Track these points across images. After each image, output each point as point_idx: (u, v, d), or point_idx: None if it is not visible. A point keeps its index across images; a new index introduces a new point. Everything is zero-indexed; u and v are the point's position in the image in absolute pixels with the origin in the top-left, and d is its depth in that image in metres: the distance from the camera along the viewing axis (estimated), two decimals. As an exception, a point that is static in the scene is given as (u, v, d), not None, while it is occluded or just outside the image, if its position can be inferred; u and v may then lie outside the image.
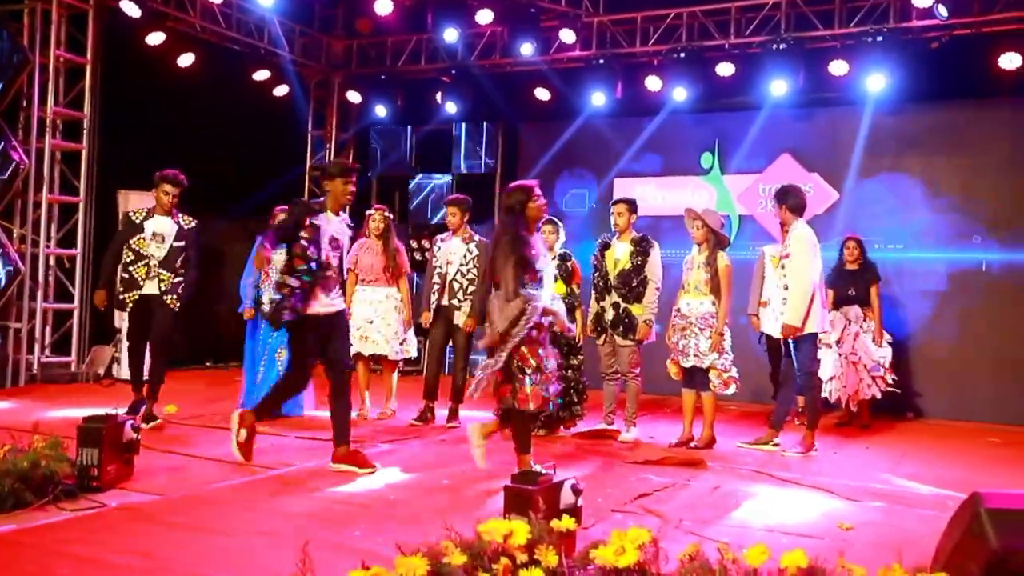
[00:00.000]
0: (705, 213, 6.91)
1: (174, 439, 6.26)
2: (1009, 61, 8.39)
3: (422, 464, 5.85)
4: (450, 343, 7.66)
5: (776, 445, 6.78)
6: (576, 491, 3.88)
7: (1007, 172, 8.88)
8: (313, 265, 5.38)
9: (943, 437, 8.00)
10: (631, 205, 7.14)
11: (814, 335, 6.65)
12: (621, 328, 6.97)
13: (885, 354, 8.00)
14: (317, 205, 5.61)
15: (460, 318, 7.36)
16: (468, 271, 7.43)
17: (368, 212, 7.96)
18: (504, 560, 3.08)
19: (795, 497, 5.30)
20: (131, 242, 6.90)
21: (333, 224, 5.56)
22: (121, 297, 6.89)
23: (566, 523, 3.31)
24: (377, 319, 7.65)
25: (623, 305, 6.97)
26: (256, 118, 10.87)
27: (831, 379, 7.93)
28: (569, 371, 6.99)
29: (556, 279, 7.08)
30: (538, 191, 5.44)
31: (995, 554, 2.75)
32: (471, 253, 7.47)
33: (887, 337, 8.06)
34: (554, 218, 7.36)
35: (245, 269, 7.81)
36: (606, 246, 7.17)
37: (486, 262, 7.13)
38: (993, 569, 2.75)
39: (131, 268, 6.88)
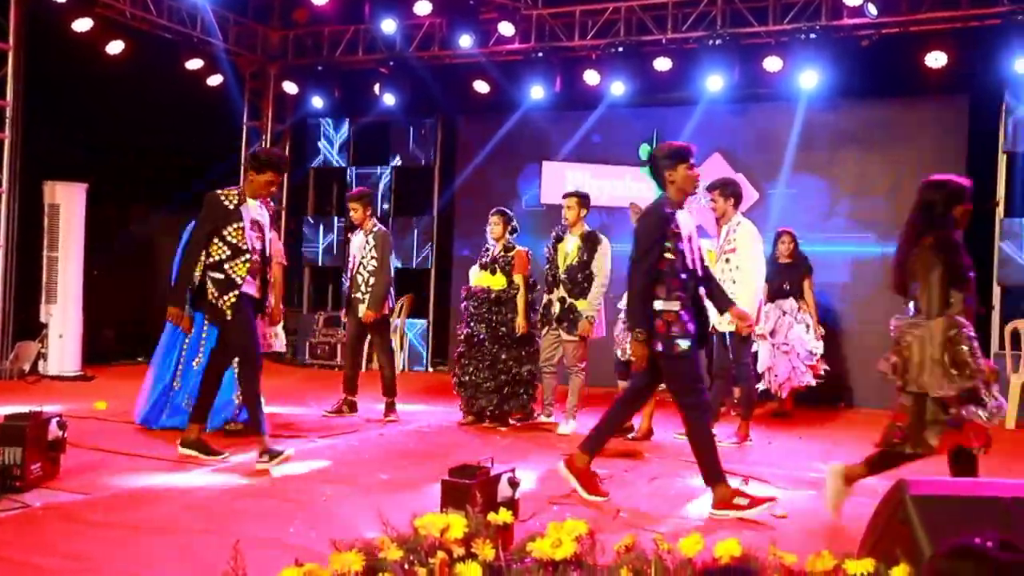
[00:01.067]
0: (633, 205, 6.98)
1: (104, 436, 6.10)
2: (935, 60, 8.60)
3: (359, 459, 5.80)
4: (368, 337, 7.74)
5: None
6: (513, 484, 3.88)
7: (935, 167, 9.06)
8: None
9: (872, 425, 8.08)
10: (582, 199, 7.11)
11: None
12: (566, 323, 7.01)
13: (818, 345, 8.12)
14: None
15: (363, 310, 7.33)
16: (368, 263, 7.40)
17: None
18: (441, 554, 3.06)
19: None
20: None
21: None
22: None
23: (503, 516, 3.31)
24: None
25: (568, 300, 7.01)
26: (189, 108, 10.64)
27: (766, 370, 8.04)
28: (512, 363, 7.00)
29: (495, 271, 7.09)
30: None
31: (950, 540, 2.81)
32: (368, 244, 7.42)
33: (821, 330, 8.21)
34: (505, 209, 7.42)
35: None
36: (559, 239, 7.18)
37: (382, 252, 7.29)
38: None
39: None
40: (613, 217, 9.90)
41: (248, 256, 5.46)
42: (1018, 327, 8.29)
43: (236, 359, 5.64)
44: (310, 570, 2.86)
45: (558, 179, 10.42)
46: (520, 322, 7.00)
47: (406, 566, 3.04)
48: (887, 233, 9.27)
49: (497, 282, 7.14)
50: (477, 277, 7.33)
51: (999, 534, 2.14)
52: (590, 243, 7.03)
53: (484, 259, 7.30)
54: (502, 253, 7.14)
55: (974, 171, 8.98)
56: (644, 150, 10.26)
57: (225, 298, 5.40)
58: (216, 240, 5.43)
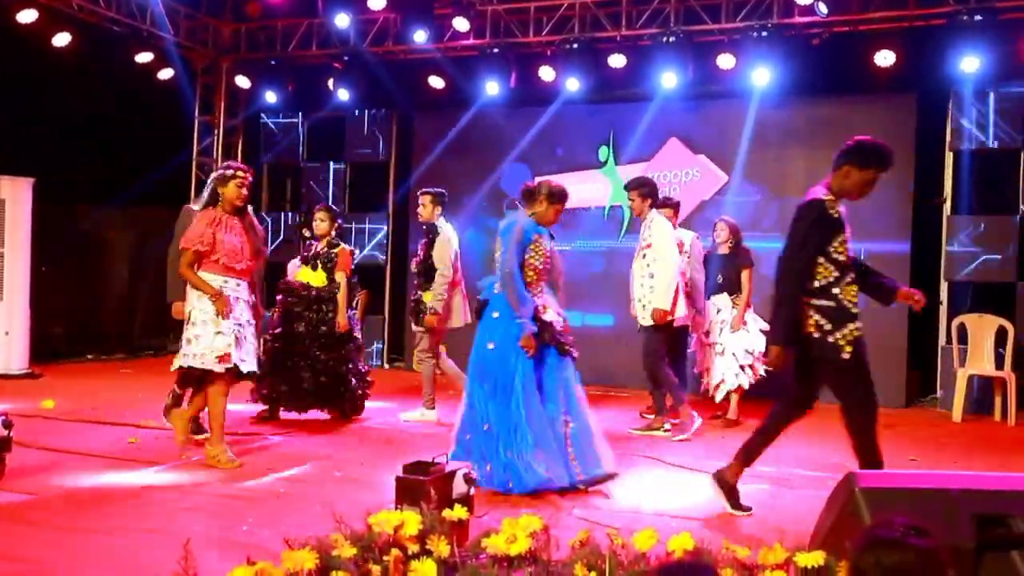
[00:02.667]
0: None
1: (51, 435, 5.98)
2: (884, 58, 8.74)
3: (312, 456, 5.75)
4: None
5: (667, 431, 6.94)
6: (468, 480, 3.87)
7: (883, 165, 9.25)
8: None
9: (824, 421, 8.20)
10: (435, 197, 7.22)
11: (668, 324, 6.88)
12: (416, 315, 7.26)
13: (755, 342, 7.44)
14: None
15: None
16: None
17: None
18: (395, 551, 3.05)
19: (684, 482, 5.42)
20: None
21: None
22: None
23: (458, 512, 3.31)
24: None
25: (419, 292, 7.24)
26: (139, 103, 10.46)
27: (703, 371, 7.72)
28: (332, 362, 6.92)
29: (317, 267, 7.05)
30: None
31: (869, 531, 2.86)
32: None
33: (760, 324, 7.42)
34: (331, 206, 7.58)
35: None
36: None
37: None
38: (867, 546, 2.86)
39: None
40: (578, 217, 10.02)
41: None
42: (964, 322, 8.47)
43: None
44: (262, 568, 2.83)
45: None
46: (340, 320, 6.91)
47: (360, 563, 3.02)
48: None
49: (318, 279, 7.04)
50: (298, 272, 7.21)
51: (909, 520, 2.21)
52: (430, 236, 7.17)
53: (306, 255, 7.22)
54: (326, 249, 7.08)
55: (922, 168, 9.19)
56: (603, 152, 10.31)
57: (840, 334, 4.52)
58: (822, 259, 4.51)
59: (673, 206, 7.74)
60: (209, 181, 5.60)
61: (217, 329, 5.30)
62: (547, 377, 5.15)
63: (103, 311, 11.66)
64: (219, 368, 5.29)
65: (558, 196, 5.39)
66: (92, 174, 10.59)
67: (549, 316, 5.23)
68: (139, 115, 10.46)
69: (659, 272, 6.77)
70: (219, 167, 5.90)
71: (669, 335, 7.02)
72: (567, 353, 5.24)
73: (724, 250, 7.69)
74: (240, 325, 5.39)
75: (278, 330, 7.02)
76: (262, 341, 6.67)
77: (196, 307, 5.35)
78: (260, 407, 7.01)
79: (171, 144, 11.47)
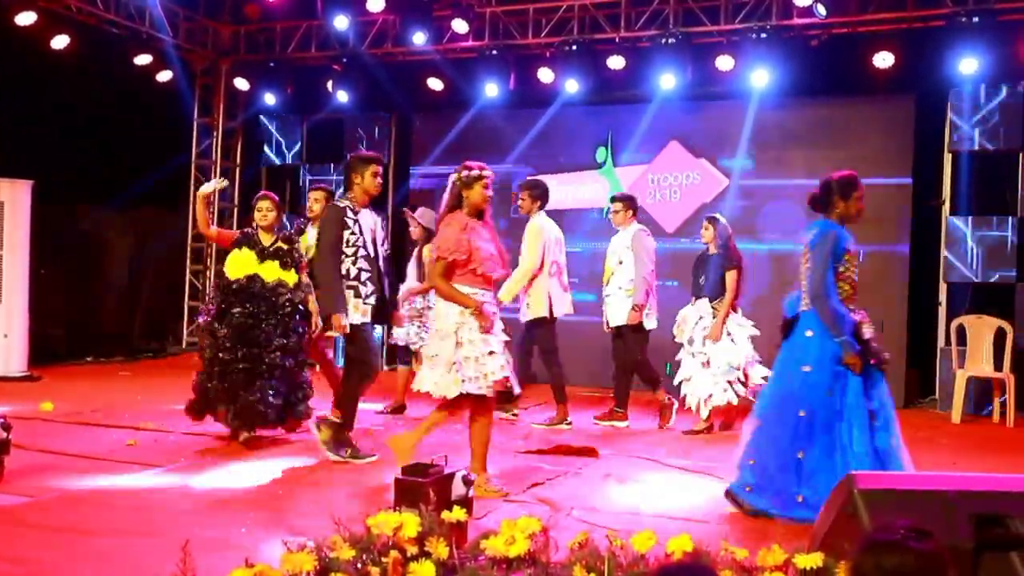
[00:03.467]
0: (421, 213, 7.52)
1: (50, 438, 5.98)
2: (883, 60, 8.74)
3: (310, 458, 5.74)
4: None
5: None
6: (467, 482, 3.87)
7: (882, 166, 9.26)
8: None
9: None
10: (326, 194, 7.08)
11: (545, 319, 7.15)
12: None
13: (740, 355, 6.99)
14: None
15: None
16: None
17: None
18: (394, 553, 3.05)
19: (683, 483, 5.42)
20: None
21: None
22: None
23: (457, 514, 3.31)
24: None
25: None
26: (138, 105, 10.45)
27: (684, 381, 7.17)
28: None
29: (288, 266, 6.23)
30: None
31: (871, 534, 2.87)
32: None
33: (748, 331, 7.10)
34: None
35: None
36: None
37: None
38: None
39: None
40: (577, 218, 10.05)
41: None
42: (963, 323, 8.47)
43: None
44: (261, 571, 2.83)
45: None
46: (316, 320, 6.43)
47: (359, 565, 3.02)
48: (837, 231, 9.41)
49: (291, 278, 6.17)
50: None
51: (911, 522, 2.21)
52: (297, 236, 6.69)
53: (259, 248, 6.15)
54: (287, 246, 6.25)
55: (920, 170, 9.20)
56: (601, 153, 10.32)
57: None
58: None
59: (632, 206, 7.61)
60: (450, 183, 5.06)
61: (489, 349, 4.84)
62: (870, 398, 4.64)
63: (102, 313, 11.64)
64: (490, 392, 4.90)
65: (852, 184, 4.95)
66: (91, 176, 10.57)
67: (868, 332, 4.66)
68: (138, 117, 10.45)
69: (518, 266, 7.00)
70: (460, 168, 5.08)
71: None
72: (883, 370, 4.76)
73: (712, 251, 7.20)
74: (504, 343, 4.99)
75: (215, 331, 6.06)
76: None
77: (457, 322, 4.83)
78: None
79: (170, 146, 11.48)
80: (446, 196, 5.06)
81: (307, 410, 6.09)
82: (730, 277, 7.00)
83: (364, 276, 5.61)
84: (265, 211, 6.20)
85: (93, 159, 10.48)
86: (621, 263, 7.28)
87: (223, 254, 11.50)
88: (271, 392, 5.83)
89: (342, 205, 5.66)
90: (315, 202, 7.00)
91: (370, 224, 5.77)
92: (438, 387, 4.86)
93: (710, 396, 7.00)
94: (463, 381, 4.78)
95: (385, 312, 5.81)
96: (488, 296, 4.95)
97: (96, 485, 4.85)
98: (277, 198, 6.45)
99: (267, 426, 6.01)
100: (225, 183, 5.87)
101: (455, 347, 4.81)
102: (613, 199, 7.64)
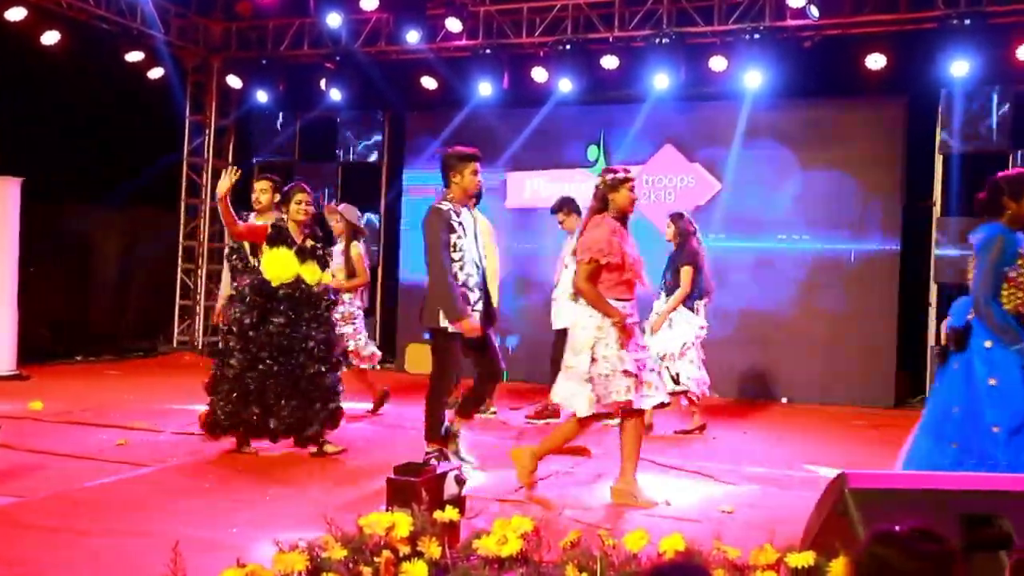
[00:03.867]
0: (344, 209, 7.43)
1: (39, 437, 5.95)
2: (875, 61, 8.77)
3: (303, 458, 5.73)
4: None
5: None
6: (460, 482, 3.87)
7: (872, 167, 9.30)
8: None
9: (814, 421, 8.33)
10: (275, 183, 6.70)
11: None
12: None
13: (670, 345, 6.89)
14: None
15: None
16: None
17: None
18: (386, 553, 3.05)
19: (676, 482, 5.42)
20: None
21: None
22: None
23: (449, 514, 3.31)
24: None
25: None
26: (129, 102, 10.41)
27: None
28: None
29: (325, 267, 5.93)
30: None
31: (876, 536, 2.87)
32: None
33: (696, 331, 6.97)
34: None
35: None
36: None
37: None
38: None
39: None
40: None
41: None
42: (953, 323, 8.48)
43: None
44: (253, 570, 2.82)
45: (518, 187, 10.51)
46: None
47: (351, 565, 3.02)
48: (826, 231, 9.43)
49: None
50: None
51: (921, 524, 2.20)
52: None
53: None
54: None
55: (912, 171, 9.24)
56: (593, 152, 10.31)
57: None
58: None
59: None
60: (597, 185, 4.91)
61: (624, 367, 4.65)
62: None
63: (92, 312, 11.60)
64: (615, 411, 4.75)
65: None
66: (82, 174, 10.54)
67: None
68: (129, 115, 10.42)
69: None
70: (604, 171, 5.01)
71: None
72: None
73: (674, 247, 7.15)
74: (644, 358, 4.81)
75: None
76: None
77: (595, 336, 4.66)
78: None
79: (161, 144, 11.43)
80: (591, 200, 4.92)
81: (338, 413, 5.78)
82: (684, 273, 6.93)
83: (472, 282, 5.35)
84: (305, 204, 5.69)
85: (84, 157, 10.45)
86: (567, 267, 7.09)
87: (216, 253, 11.68)
88: (318, 403, 5.58)
89: (445, 208, 5.34)
90: (262, 193, 6.52)
91: (471, 225, 5.48)
92: (568, 401, 4.73)
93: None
94: (596, 400, 4.61)
95: (492, 317, 5.55)
96: (629, 307, 4.76)
97: (86, 485, 4.82)
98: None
99: (313, 436, 5.65)
100: (239, 172, 5.59)
101: (590, 363, 4.64)
102: (553, 210, 7.47)
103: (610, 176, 4.90)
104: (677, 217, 7.19)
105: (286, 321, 5.52)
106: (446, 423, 5.48)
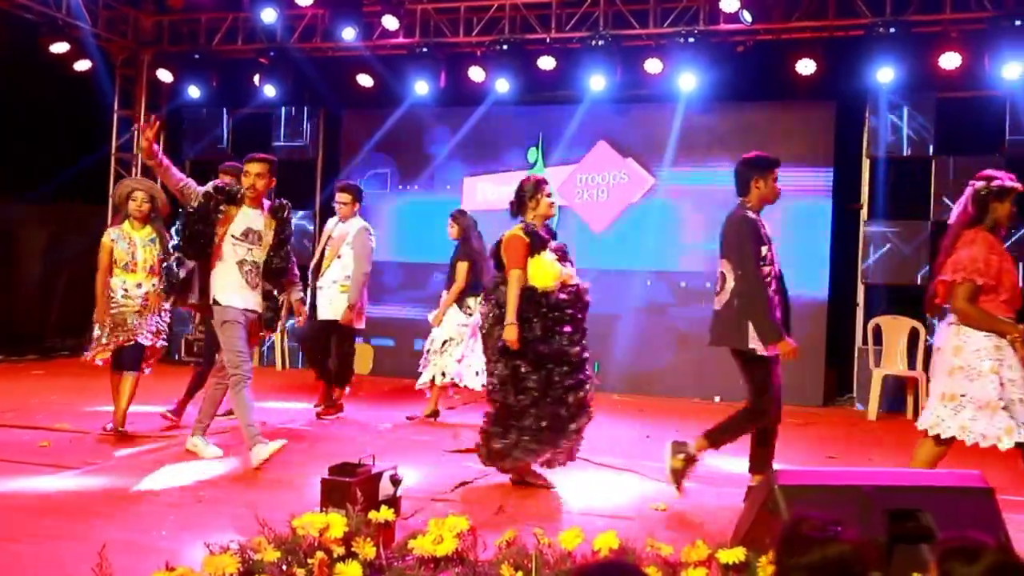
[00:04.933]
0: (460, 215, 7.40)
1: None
2: (805, 67, 8.96)
3: (235, 458, 5.64)
4: None
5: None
6: (395, 481, 3.85)
7: (803, 170, 9.47)
8: None
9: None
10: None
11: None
12: None
13: (437, 337, 7.23)
14: None
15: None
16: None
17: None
18: (320, 554, 3.02)
19: (611, 480, 5.47)
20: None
21: None
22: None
23: (384, 514, 3.29)
24: None
25: None
26: (54, 95, 10.13)
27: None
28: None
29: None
30: None
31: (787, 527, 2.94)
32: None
33: (458, 321, 7.20)
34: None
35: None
36: None
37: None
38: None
39: None
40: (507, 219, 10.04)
41: None
42: (879, 323, 8.73)
43: None
44: (182, 573, 2.78)
45: (471, 191, 10.49)
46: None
47: (284, 567, 2.99)
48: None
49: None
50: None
51: (826, 515, 2.27)
52: None
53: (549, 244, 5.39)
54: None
55: (841, 174, 9.45)
56: (532, 154, 10.34)
57: None
58: None
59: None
60: (974, 194, 4.32)
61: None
62: None
63: (15, 311, 11.26)
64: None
65: None
66: (5, 168, 10.23)
67: None
68: (54, 108, 10.14)
69: None
70: (987, 177, 4.34)
71: None
72: None
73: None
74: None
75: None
76: None
77: (999, 359, 4.18)
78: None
79: (89, 138, 11.14)
80: (965, 206, 4.34)
81: None
82: (460, 267, 7.19)
83: (777, 299, 4.84)
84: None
85: (7, 151, 10.14)
86: (340, 257, 7.25)
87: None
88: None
89: (751, 216, 4.88)
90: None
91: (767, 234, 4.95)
92: (986, 438, 4.19)
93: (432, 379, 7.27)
94: (1019, 427, 4.13)
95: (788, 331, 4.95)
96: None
97: (8, 488, 4.68)
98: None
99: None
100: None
101: (999, 388, 4.16)
102: (340, 189, 7.46)
103: (996, 183, 4.30)
104: (460, 215, 7.46)
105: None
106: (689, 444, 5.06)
